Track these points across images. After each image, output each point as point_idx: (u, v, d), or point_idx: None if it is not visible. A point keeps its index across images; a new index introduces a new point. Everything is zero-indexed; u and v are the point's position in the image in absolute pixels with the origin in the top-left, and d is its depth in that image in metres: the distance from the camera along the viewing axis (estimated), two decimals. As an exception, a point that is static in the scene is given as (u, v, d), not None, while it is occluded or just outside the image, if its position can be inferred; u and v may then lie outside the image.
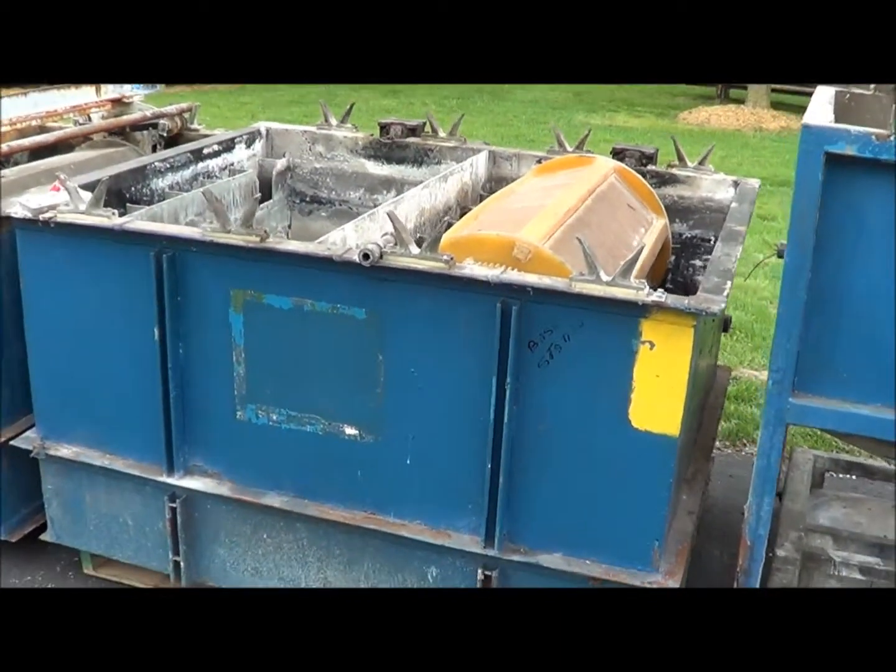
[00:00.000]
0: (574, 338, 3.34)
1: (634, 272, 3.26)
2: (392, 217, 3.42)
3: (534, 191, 4.71)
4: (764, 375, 6.68)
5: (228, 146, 5.27)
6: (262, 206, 5.27)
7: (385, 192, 5.49)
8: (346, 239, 3.91)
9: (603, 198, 4.61)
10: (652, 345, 3.23)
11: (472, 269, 3.38)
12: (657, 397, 3.29)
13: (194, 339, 3.81)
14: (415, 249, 3.40)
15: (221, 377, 3.80)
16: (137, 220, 3.77)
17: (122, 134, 5.58)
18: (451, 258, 3.35)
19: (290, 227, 5.62)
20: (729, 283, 3.39)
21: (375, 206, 5.34)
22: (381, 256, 3.39)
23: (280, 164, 5.47)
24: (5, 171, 4.86)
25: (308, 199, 5.62)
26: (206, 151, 5.09)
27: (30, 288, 4.00)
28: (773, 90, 18.62)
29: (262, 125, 5.61)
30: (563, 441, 3.44)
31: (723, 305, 3.18)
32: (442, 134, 5.42)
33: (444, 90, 18.53)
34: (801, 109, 18.06)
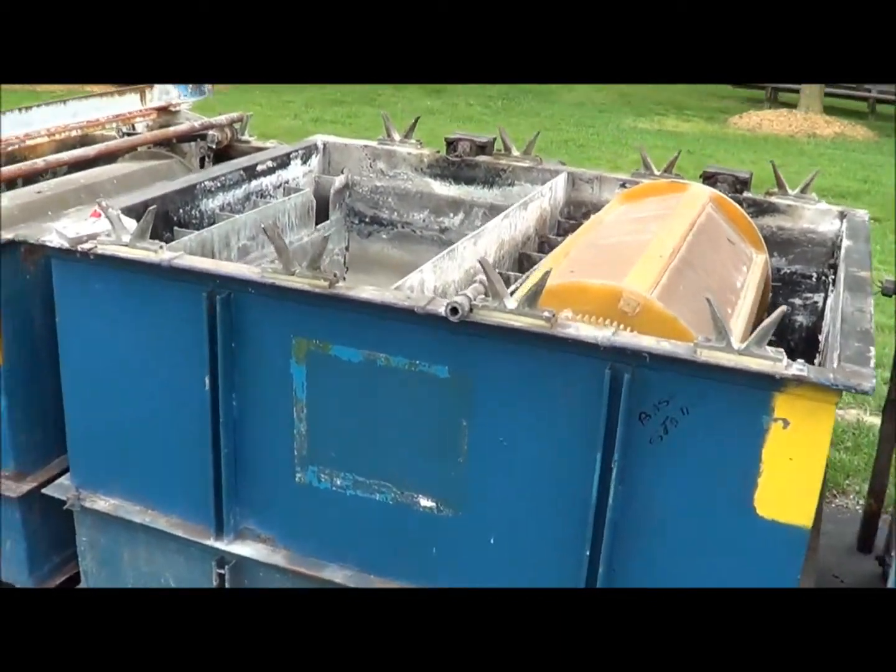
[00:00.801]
0: (694, 411, 2.87)
1: (740, 320, 2.76)
2: (484, 265, 2.97)
3: (625, 223, 4.25)
4: (851, 414, 6.20)
5: (283, 162, 4.83)
6: (318, 226, 4.84)
7: (452, 214, 5.05)
8: (425, 282, 3.45)
9: (702, 232, 4.14)
10: (786, 423, 2.76)
11: (579, 328, 2.91)
12: (788, 483, 2.82)
13: (250, 391, 3.37)
14: (510, 303, 2.94)
15: (280, 434, 3.36)
16: (187, 256, 3.33)
17: (167, 145, 5.14)
18: (553, 315, 2.89)
19: (347, 249, 5.19)
20: (872, 349, 2.91)
21: (441, 229, 4.92)
22: (470, 310, 2.91)
23: (338, 181, 5.03)
24: (41, 185, 4.45)
25: (367, 219, 5.18)
26: (259, 168, 4.65)
27: (66, 323, 3.58)
28: (826, 94, 18.06)
29: (319, 139, 5.16)
30: (674, 528, 2.97)
31: (873, 382, 2.71)
32: (516, 152, 4.96)
33: (489, 90, 18.08)
34: (854, 114, 17.63)
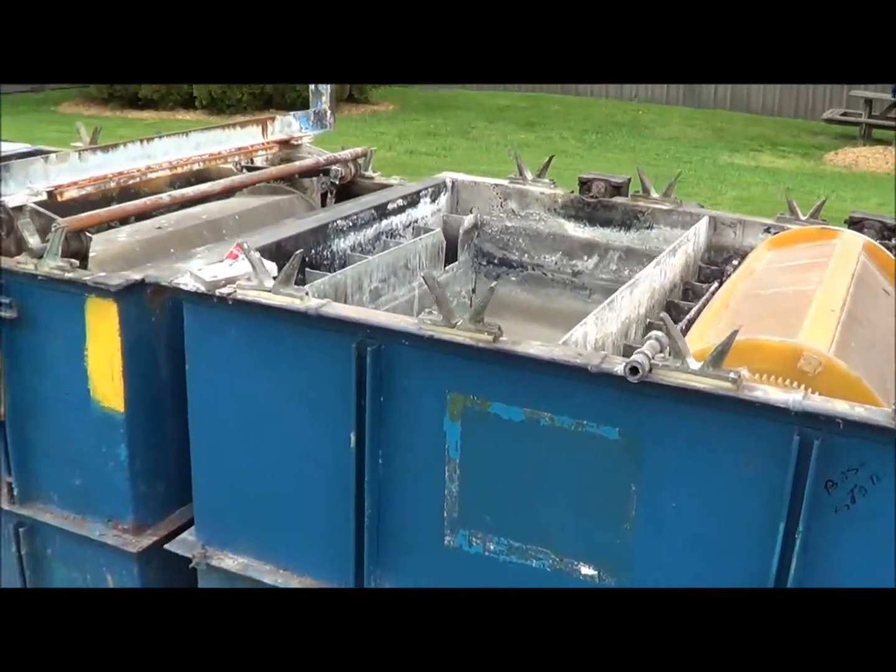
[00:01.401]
0: (885, 479, 2.62)
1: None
2: (666, 322, 2.73)
3: (780, 272, 3.99)
4: None
5: (413, 201, 4.63)
6: (447, 268, 4.62)
7: (586, 257, 4.81)
8: (587, 335, 3.21)
9: (862, 283, 3.88)
10: None
11: (767, 391, 2.66)
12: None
13: (398, 448, 3.15)
14: (693, 364, 2.70)
15: (429, 495, 3.14)
16: (335, 304, 3.12)
17: (288, 179, 4.96)
18: (739, 376, 2.64)
19: (474, 291, 4.97)
20: None
21: (574, 272, 4.69)
22: (650, 370, 2.67)
23: (467, 221, 4.82)
24: (160, 220, 4.28)
25: (496, 261, 4.96)
26: (390, 207, 4.44)
27: (196, 371, 3.39)
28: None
29: (448, 177, 4.96)
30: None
31: None
32: (655, 194, 4.70)
33: (582, 124, 17.88)
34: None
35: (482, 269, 5.01)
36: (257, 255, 3.19)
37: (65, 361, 3.67)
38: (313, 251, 4.00)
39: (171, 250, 4.17)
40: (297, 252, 3.16)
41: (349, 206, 4.34)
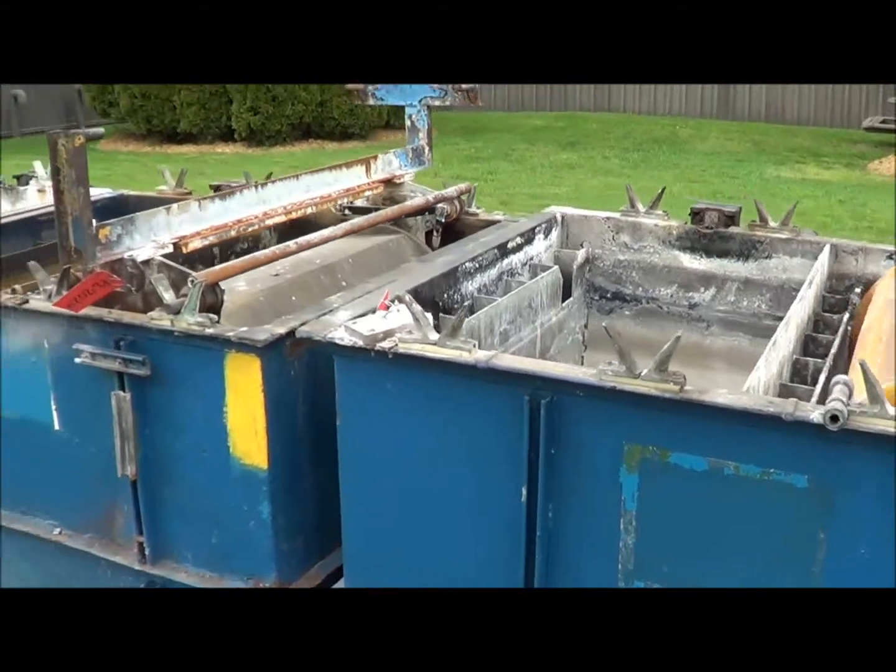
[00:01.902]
0: None
1: None
2: (865, 368, 2.64)
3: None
4: None
5: (529, 238, 4.55)
6: (563, 305, 4.54)
7: (702, 289, 4.72)
8: (760, 380, 3.13)
9: None
10: None
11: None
12: None
13: (569, 501, 3.08)
14: (891, 409, 2.61)
15: (602, 547, 3.06)
16: (504, 356, 3.05)
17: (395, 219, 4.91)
18: (942, 422, 2.55)
19: (586, 326, 4.88)
20: None
21: (690, 305, 4.61)
22: (847, 417, 2.59)
23: (580, 256, 4.74)
24: (276, 266, 4.21)
25: (609, 295, 4.88)
26: (510, 246, 4.36)
27: (349, 425, 3.32)
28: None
29: (557, 211, 4.89)
30: None
31: None
32: (772, 223, 4.61)
33: (622, 142, 17.81)
34: None
35: (594, 303, 4.93)
36: (419, 307, 3.11)
37: (202, 418, 3.61)
38: (445, 295, 3.93)
39: (293, 298, 4.11)
40: (466, 304, 3.09)
41: (472, 248, 4.26)
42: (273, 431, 3.53)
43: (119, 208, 5.88)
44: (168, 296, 3.48)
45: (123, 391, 3.66)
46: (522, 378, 2.98)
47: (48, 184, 5.68)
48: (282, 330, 3.42)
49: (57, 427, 3.99)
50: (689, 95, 22.07)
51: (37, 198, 5.98)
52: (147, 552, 3.88)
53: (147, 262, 3.69)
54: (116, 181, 6.51)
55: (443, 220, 4.92)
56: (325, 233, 4.12)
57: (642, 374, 2.83)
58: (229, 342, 3.41)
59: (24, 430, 4.10)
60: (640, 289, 4.85)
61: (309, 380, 3.64)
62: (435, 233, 4.93)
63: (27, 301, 3.84)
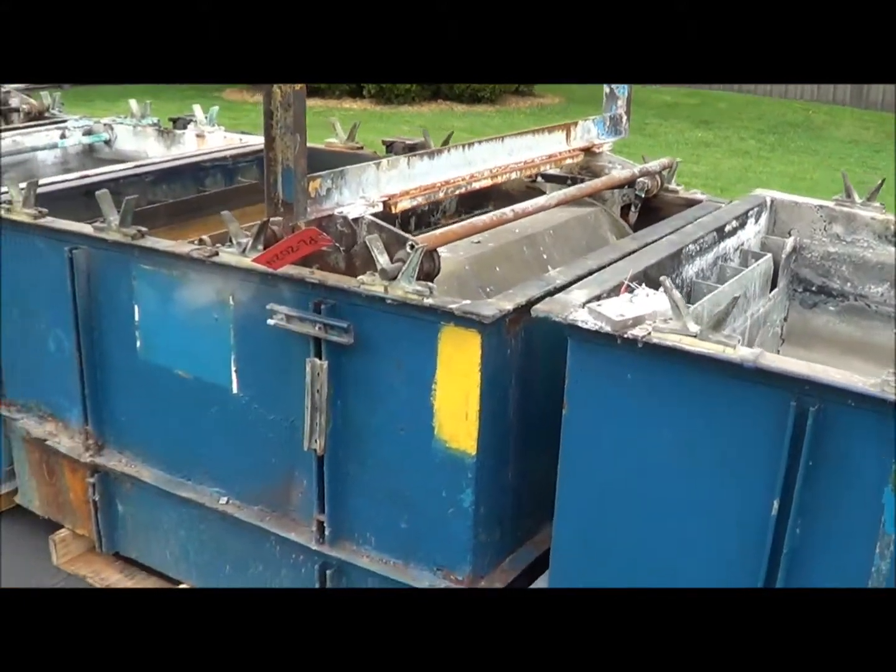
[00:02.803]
0: None
1: None
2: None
3: None
4: None
5: (742, 222, 4.26)
6: (770, 295, 4.25)
7: (919, 290, 4.39)
8: None
9: None
10: None
11: None
12: None
13: (821, 518, 2.80)
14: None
15: (851, 570, 2.78)
16: (772, 356, 2.76)
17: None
18: None
19: (785, 319, 4.58)
20: None
21: (904, 305, 4.27)
22: None
23: (788, 244, 4.43)
24: (474, 235, 3.96)
25: (814, 288, 4.57)
26: (726, 229, 4.08)
27: (578, 414, 3.07)
28: None
29: (767, 195, 4.58)
30: None
31: None
32: None
33: (756, 124, 17.30)
34: None
35: (797, 295, 4.63)
36: (678, 293, 2.85)
37: (405, 394, 3.39)
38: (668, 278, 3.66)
39: (497, 268, 3.88)
40: (735, 296, 2.83)
41: (691, 229, 3.98)
42: (486, 414, 3.30)
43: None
44: (383, 259, 3.24)
45: (320, 359, 3.44)
46: (790, 381, 2.71)
47: (207, 129, 5.51)
48: (509, 305, 3.19)
49: (235, 390, 3.80)
50: (822, 80, 21.45)
51: (194, 143, 5.80)
52: (327, 532, 3.68)
53: (356, 221, 3.46)
54: (237, 129, 6.30)
55: (642, 196, 4.64)
56: (539, 201, 3.87)
57: (931, 390, 2.53)
58: (449, 315, 3.17)
59: (197, 390, 3.93)
60: (849, 284, 4.54)
61: (523, 361, 3.41)
62: (633, 208, 4.66)
63: (216, 254, 3.64)
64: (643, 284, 3.05)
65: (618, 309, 2.92)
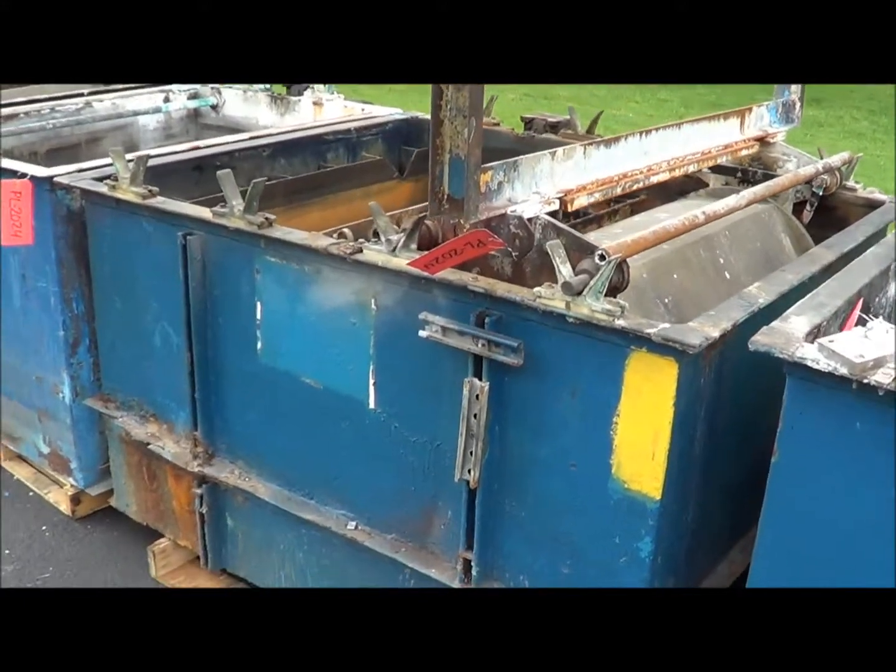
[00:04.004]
0: None
1: None
2: None
3: None
4: None
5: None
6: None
7: None
8: None
9: None
10: None
11: None
12: None
13: None
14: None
15: None
16: None
17: (747, 181, 4.21)
18: None
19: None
20: None
21: None
22: None
23: None
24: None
25: None
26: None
27: (792, 461, 2.64)
28: None
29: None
30: None
31: None
32: None
33: (868, 104, 16.65)
34: None
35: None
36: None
37: (579, 426, 2.99)
38: (875, 299, 3.23)
39: (674, 275, 3.45)
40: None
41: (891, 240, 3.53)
42: (672, 455, 2.88)
43: (413, 134, 5.32)
44: (566, 270, 2.82)
45: (480, 379, 3.03)
46: None
47: (325, 96, 5.13)
48: (715, 332, 2.76)
49: (372, 405, 3.42)
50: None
51: (311, 111, 5.40)
52: (474, 571, 3.29)
53: (531, 222, 3.05)
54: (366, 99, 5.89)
55: (819, 194, 4.18)
56: (729, 202, 3.42)
57: None
58: (643, 340, 2.75)
59: (326, 401, 3.55)
60: None
61: (712, 391, 2.99)
62: (808, 206, 4.20)
63: (360, 251, 3.24)
64: (880, 318, 2.59)
65: (855, 348, 2.48)
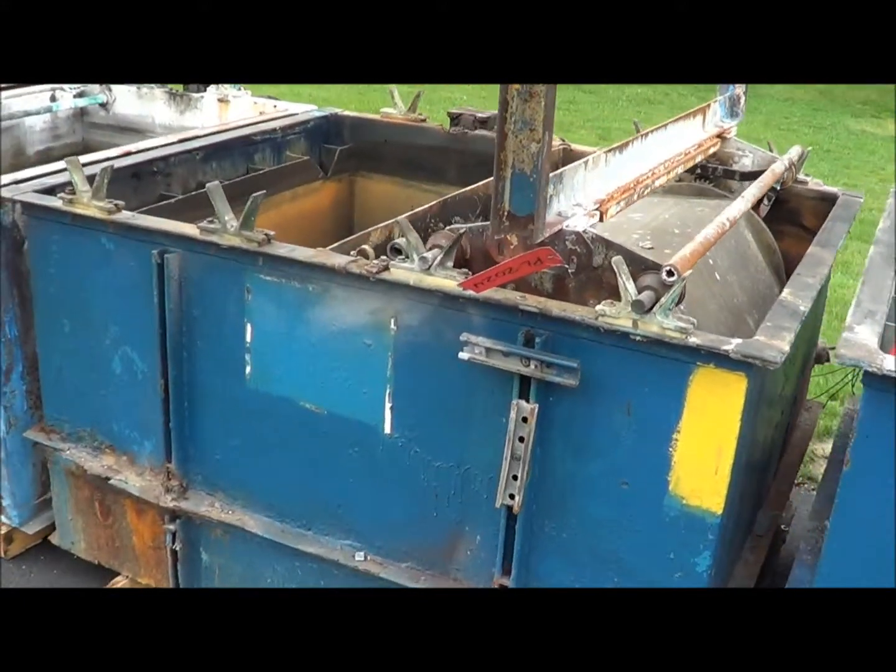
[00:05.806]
0: None
1: None
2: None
3: None
4: None
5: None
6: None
7: None
8: None
9: None
10: None
11: None
12: None
13: None
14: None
15: None
16: None
17: (708, 178, 4.36)
18: None
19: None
20: None
21: None
22: None
23: None
24: (634, 236, 3.65)
25: None
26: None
27: (863, 472, 2.77)
28: None
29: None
30: None
31: None
32: None
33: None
34: None
35: None
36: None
37: (633, 444, 3.06)
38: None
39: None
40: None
41: (889, 238, 3.70)
42: (735, 469, 2.98)
43: (332, 132, 5.28)
44: (632, 288, 2.87)
45: (527, 401, 3.06)
46: None
47: (232, 93, 5.06)
48: (786, 346, 2.85)
49: (387, 430, 3.40)
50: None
51: (216, 109, 5.30)
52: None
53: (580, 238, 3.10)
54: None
55: (778, 188, 4.35)
56: (740, 205, 3.53)
57: None
58: (714, 356, 2.83)
59: (330, 427, 3.51)
60: None
61: (759, 403, 3.10)
62: (766, 201, 4.36)
63: (386, 268, 3.22)
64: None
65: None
